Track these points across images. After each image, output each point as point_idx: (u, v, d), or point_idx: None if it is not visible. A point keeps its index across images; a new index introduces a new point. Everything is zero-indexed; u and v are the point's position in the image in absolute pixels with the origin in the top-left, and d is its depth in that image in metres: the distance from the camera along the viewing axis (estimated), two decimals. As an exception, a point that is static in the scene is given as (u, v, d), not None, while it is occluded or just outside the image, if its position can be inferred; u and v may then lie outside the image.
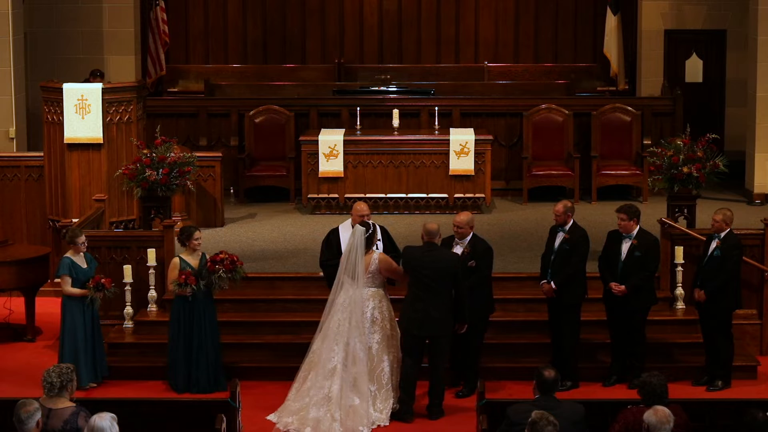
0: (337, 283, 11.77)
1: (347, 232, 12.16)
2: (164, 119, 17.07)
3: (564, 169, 17.64)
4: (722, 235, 12.30)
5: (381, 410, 11.55)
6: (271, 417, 11.55)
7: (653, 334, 12.70)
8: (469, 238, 12.14)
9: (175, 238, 13.01)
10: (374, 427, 11.41)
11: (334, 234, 12.42)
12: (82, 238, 12.49)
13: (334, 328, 11.60)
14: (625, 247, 12.29)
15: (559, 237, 12.36)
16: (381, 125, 17.77)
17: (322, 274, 12.74)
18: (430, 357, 11.73)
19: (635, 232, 12.31)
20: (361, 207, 12.31)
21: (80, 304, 12.40)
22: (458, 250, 12.11)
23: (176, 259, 12.41)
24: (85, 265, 12.48)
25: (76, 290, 12.38)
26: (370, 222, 11.97)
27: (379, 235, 12.05)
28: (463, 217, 12.18)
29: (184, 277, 12.12)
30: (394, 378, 11.68)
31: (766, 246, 13.34)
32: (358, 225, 11.85)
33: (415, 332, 11.54)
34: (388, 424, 11.49)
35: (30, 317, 14.02)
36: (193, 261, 12.36)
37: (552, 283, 12.27)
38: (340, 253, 12.10)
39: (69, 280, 12.37)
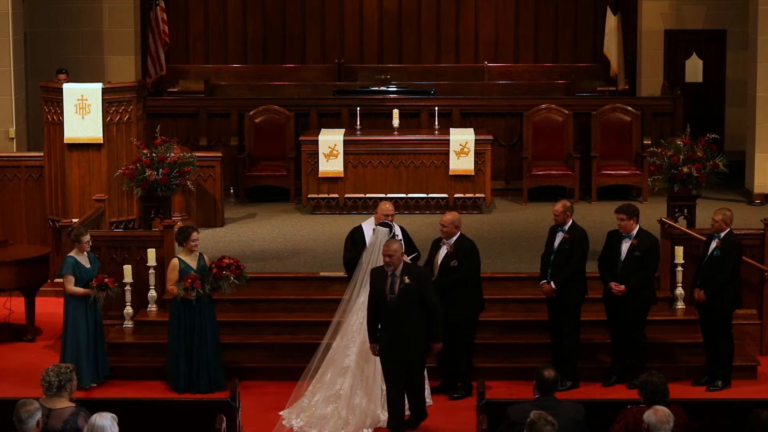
0: (354, 283, 11.81)
1: (371, 230, 12.17)
2: (164, 119, 17.07)
3: (564, 169, 17.64)
4: (722, 235, 12.30)
5: None
6: (283, 413, 11.59)
7: (653, 334, 12.70)
8: (455, 237, 12.12)
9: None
10: (379, 425, 11.43)
11: (358, 232, 12.36)
12: (87, 237, 12.48)
13: (353, 327, 11.65)
14: (625, 247, 12.29)
15: (559, 237, 12.36)
16: (381, 125, 17.77)
17: (338, 273, 12.77)
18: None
19: (635, 231, 12.32)
20: (387, 207, 12.25)
21: (83, 304, 12.39)
22: (444, 249, 12.12)
23: (175, 260, 12.40)
24: (88, 265, 12.47)
25: (79, 289, 12.36)
26: (391, 223, 11.96)
27: (400, 236, 12.03)
28: (448, 216, 12.19)
29: (190, 281, 12.11)
30: None
31: (766, 246, 13.34)
32: (379, 226, 11.86)
33: None
34: None
35: (30, 317, 14.01)
36: (191, 261, 12.36)
37: (552, 283, 12.28)
38: None
39: (72, 279, 12.35)
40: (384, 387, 11.50)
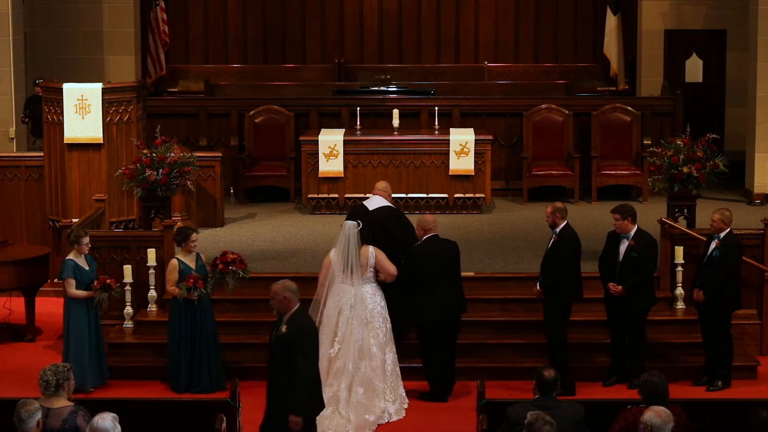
0: (326, 282, 11.91)
1: (370, 204, 12.68)
2: (164, 119, 17.07)
3: (564, 169, 17.64)
4: (722, 235, 12.30)
5: (393, 401, 11.76)
6: None
7: (653, 334, 12.71)
8: (423, 239, 12.27)
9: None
10: (389, 417, 11.62)
11: (360, 208, 12.73)
12: (86, 239, 12.46)
13: (342, 328, 11.73)
14: (623, 247, 12.28)
15: (552, 239, 12.35)
16: (381, 125, 17.76)
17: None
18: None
19: (633, 232, 12.29)
20: (385, 185, 12.89)
21: (84, 307, 12.37)
22: None
23: (174, 261, 12.39)
24: (87, 267, 12.46)
25: (82, 292, 12.34)
26: (359, 222, 12.03)
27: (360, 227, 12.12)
28: (419, 218, 12.40)
29: (192, 281, 12.10)
30: (397, 368, 11.92)
31: (766, 246, 13.34)
32: (347, 221, 11.95)
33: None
34: (403, 415, 11.70)
35: (30, 317, 14.01)
36: (189, 262, 12.36)
37: (538, 284, 12.30)
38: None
39: (73, 282, 12.33)
40: (388, 383, 11.62)
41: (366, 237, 11.93)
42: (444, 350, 12.20)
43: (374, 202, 12.76)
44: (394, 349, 11.94)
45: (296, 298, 9.43)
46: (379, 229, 12.42)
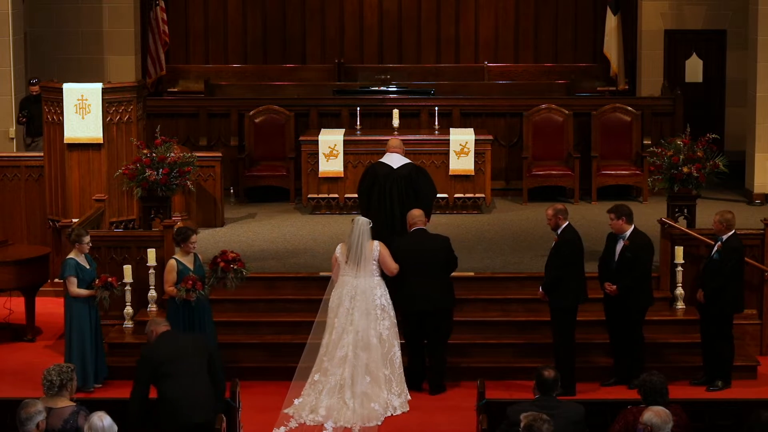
0: (333, 281, 12.13)
1: (392, 162, 13.05)
2: (164, 119, 17.07)
3: (564, 169, 17.64)
4: (724, 237, 12.29)
5: (399, 393, 11.84)
6: (288, 410, 11.72)
7: (653, 334, 12.71)
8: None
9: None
10: (394, 411, 11.69)
11: (379, 164, 13.19)
12: (88, 238, 12.46)
13: (342, 318, 11.87)
14: (618, 247, 12.29)
15: (555, 241, 12.35)
16: (381, 125, 17.76)
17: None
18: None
19: (628, 233, 12.27)
20: (398, 142, 13.34)
21: (86, 306, 12.37)
22: None
23: (173, 261, 12.37)
24: (88, 266, 12.47)
25: (84, 291, 12.34)
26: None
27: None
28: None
29: (191, 282, 12.10)
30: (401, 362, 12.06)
31: (766, 246, 13.34)
32: (359, 216, 12.21)
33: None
34: (407, 409, 11.77)
35: (30, 317, 14.01)
36: (188, 262, 12.33)
37: (540, 287, 12.31)
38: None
39: (75, 281, 12.33)
40: (385, 371, 11.72)
41: (396, 194, 12.61)
42: (427, 345, 12.28)
43: (395, 159, 13.05)
44: (399, 343, 12.05)
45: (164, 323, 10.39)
46: (408, 186, 12.81)
